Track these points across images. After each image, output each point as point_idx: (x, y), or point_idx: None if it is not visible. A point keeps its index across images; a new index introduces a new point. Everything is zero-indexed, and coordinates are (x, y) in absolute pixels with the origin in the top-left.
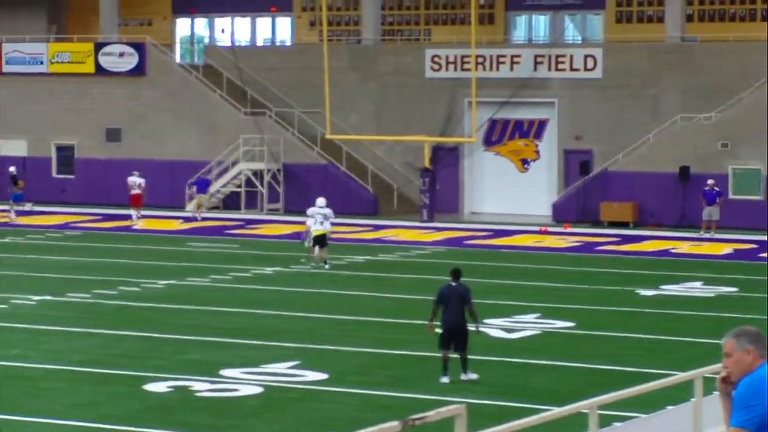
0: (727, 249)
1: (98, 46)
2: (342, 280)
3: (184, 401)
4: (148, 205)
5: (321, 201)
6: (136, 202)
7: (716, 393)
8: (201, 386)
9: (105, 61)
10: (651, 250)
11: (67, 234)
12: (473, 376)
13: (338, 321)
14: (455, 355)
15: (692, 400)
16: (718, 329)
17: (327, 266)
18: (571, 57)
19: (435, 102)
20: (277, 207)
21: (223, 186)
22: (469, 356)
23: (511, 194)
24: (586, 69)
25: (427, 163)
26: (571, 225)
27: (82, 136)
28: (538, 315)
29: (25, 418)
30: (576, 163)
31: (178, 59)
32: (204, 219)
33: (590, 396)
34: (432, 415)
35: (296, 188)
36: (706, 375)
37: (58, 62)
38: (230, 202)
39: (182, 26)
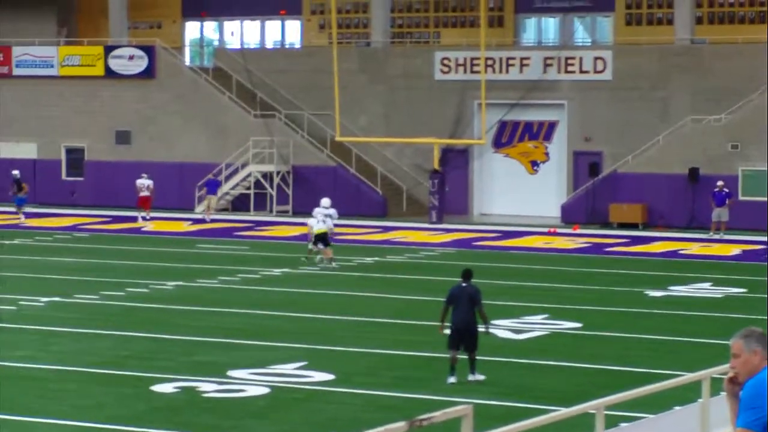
0: (735, 250)
1: (108, 49)
2: (350, 281)
3: (191, 402)
4: (157, 207)
5: (326, 201)
6: (144, 204)
7: (723, 394)
8: (208, 387)
9: (115, 64)
10: (660, 251)
11: (75, 236)
12: (480, 377)
13: (346, 322)
14: (463, 356)
15: (700, 400)
16: (726, 330)
17: (334, 264)
18: (581, 59)
19: (444, 104)
20: (287, 209)
21: (233, 188)
22: (476, 357)
23: (521, 196)
24: (595, 71)
25: (436, 165)
26: (580, 226)
27: (91, 139)
28: (546, 316)
29: (33, 419)
30: (585, 165)
31: (187, 62)
32: (213, 221)
33: (597, 396)
34: (438, 415)
35: (305, 190)
36: (714, 376)
37: (68, 65)
38: (239, 204)
39: (192, 29)
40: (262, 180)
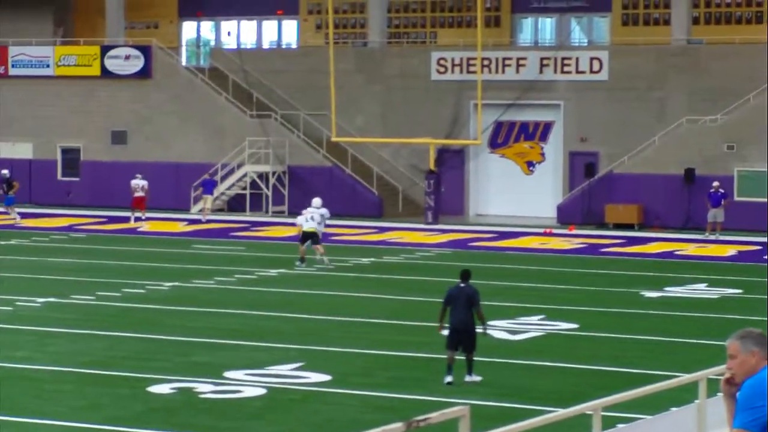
0: (731, 251)
1: (104, 49)
2: (346, 281)
3: (187, 403)
4: (153, 207)
5: (317, 201)
6: (139, 204)
7: (720, 395)
8: (204, 388)
9: (111, 64)
10: (656, 251)
11: (71, 236)
12: (477, 378)
13: (342, 323)
14: (460, 357)
15: (696, 401)
16: (722, 331)
17: (326, 259)
18: (577, 59)
19: (441, 104)
20: (282, 209)
21: (228, 188)
22: (473, 358)
23: (517, 196)
24: (592, 71)
25: (432, 166)
26: (576, 227)
27: (87, 139)
28: (542, 317)
29: (30, 419)
30: (581, 165)
31: (184, 62)
32: (209, 221)
33: (593, 397)
34: (435, 416)
35: (301, 190)
36: (711, 376)
37: (64, 65)
38: (235, 204)
39: (188, 29)
40: (258, 180)
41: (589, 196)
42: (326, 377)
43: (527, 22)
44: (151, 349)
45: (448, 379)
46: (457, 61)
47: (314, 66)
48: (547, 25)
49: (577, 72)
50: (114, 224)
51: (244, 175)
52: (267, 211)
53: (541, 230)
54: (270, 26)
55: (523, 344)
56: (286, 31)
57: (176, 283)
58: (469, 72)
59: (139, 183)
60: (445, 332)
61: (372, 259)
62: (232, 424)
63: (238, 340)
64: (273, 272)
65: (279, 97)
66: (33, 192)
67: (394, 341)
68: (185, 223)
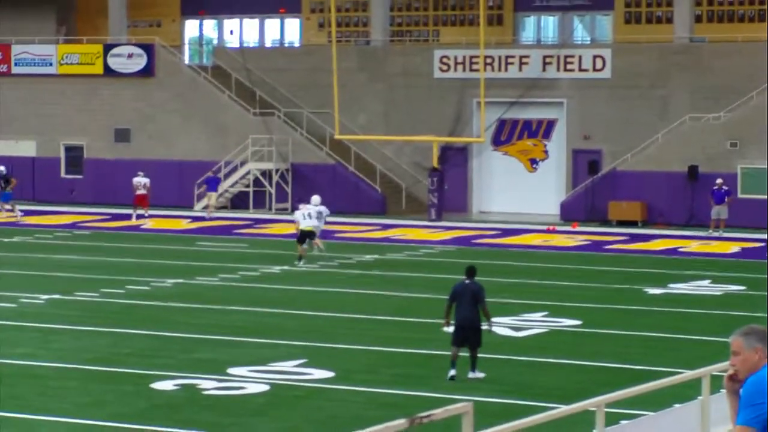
0: (735, 248)
1: (107, 48)
2: (350, 278)
3: (191, 399)
4: (156, 205)
5: (316, 199)
6: (141, 202)
7: (723, 391)
8: (208, 384)
9: (114, 63)
10: (659, 249)
11: (75, 233)
12: (480, 375)
13: (346, 319)
14: (465, 353)
15: (699, 398)
16: (725, 328)
17: (322, 246)
18: (580, 57)
19: (443, 102)
20: (286, 206)
21: (232, 186)
22: (477, 354)
23: (520, 194)
24: (594, 69)
25: (435, 163)
26: (579, 224)
27: (91, 137)
28: (545, 313)
29: (34, 416)
30: (584, 163)
31: (186, 60)
32: (212, 218)
33: (597, 394)
34: (439, 412)
35: (305, 188)
36: (714, 373)
37: (67, 63)
38: (238, 201)
39: (191, 28)
40: (261, 178)
41: (592, 194)
42: (330, 374)
43: (530, 20)
44: (154, 345)
45: (452, 372)
46: (459, 59)
47: (317, 64)
48: (550, 23)
49: (580, 70)
50: (118, 221)
51: (248, 173)
52: (270, 209)
53: (545, 227)
54: (273, 25)
55: (527, 341)
56: (289, 30)
57: (180, 280)
58: (472, 70)
59: (140, 181)
60: (451, 328)
61: (375, 257)
62: (236, 421)
63: (241, 337)
64: (276, 269)
65: (282, 95)
66: (36, 190)
67: (397, 338)
68: (189, 220)
